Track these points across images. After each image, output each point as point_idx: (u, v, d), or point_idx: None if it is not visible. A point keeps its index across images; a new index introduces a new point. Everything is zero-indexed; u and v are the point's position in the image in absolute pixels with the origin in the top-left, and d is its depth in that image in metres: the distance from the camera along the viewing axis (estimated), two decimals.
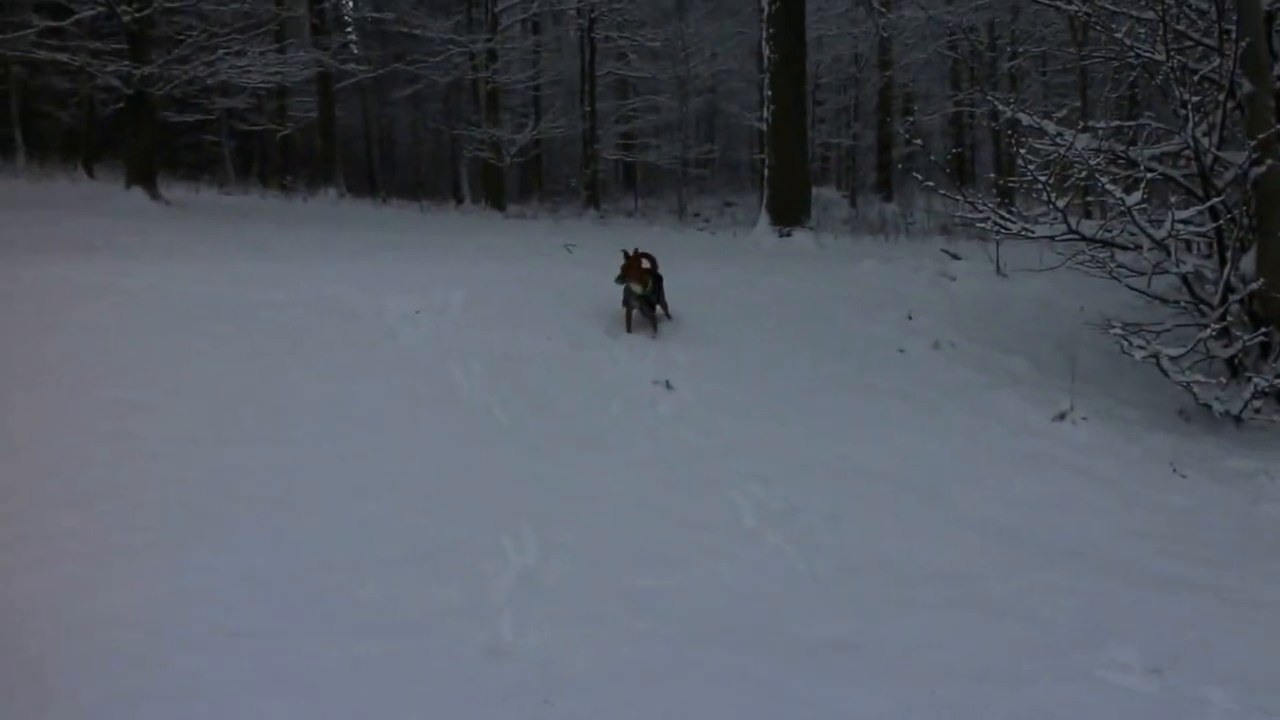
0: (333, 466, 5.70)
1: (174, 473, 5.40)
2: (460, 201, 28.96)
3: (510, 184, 31.75)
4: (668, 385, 7.90)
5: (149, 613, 4.12)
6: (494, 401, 7.14)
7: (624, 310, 9.04)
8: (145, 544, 4.64)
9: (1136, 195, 7.05)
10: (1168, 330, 7.63)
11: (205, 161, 29.59)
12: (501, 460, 6.02)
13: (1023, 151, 7.38)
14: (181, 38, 17.69)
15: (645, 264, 9.01)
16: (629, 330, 9.04)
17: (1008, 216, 7.68)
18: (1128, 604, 4.70)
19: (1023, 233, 7.48)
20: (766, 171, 16.23)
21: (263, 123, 28.62)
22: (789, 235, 15.39)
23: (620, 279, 8.89)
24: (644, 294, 8.95)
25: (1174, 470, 6.35)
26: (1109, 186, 7.08)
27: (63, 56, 16.74)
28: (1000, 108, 8.18)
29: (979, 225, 7.94)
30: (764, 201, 16.29)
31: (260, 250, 11.47)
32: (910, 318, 10.09)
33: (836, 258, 13.86)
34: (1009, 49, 24.78)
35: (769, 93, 16.06)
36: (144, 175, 16.90)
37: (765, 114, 16.30)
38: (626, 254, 8.94)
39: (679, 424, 7.10)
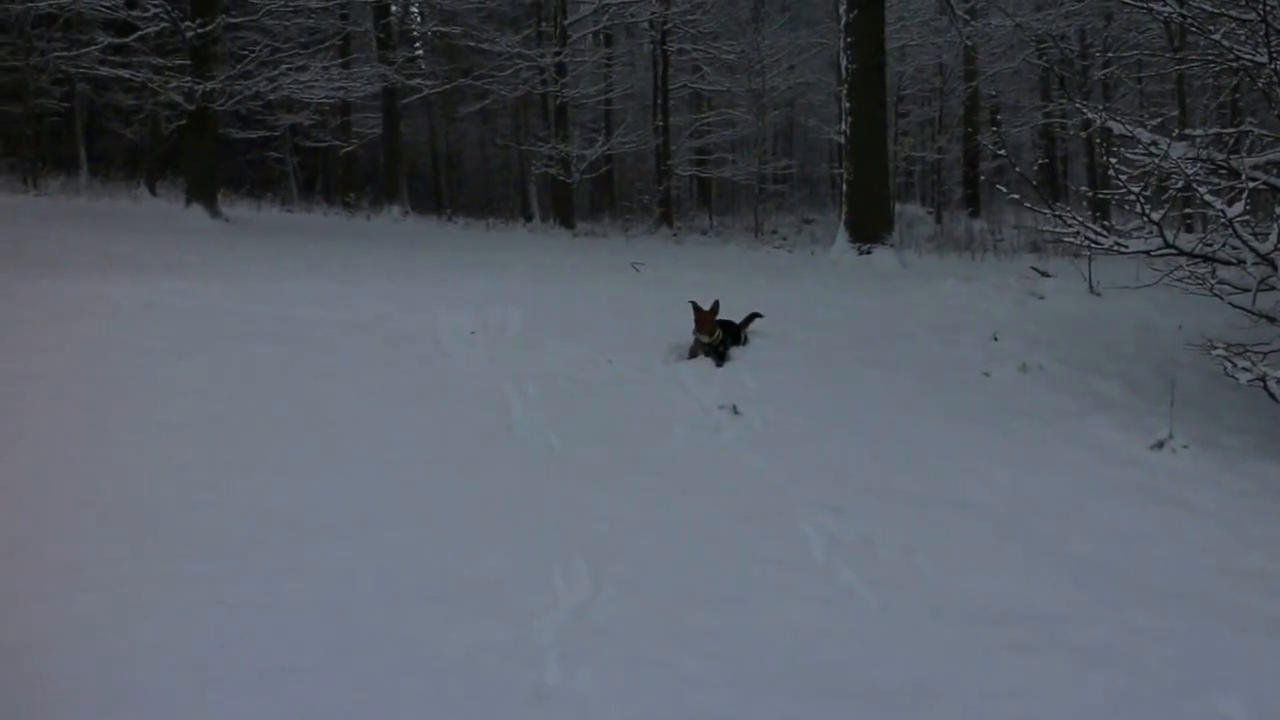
0: (375, 494, 5.64)
1: (206, 498, 5.38)
2: (529, 219, 29.22)
3: (580, 201, 32.05)
4: (734, 410, 7.74)
5: (178, 648, 4.05)
6: (548, 425, 7.02)
7: (690, 351, 9.15)
8: (176, 574, 4.61)
9: (1239, 206, 6.71)
10: (1275, 351, 7.27)
11: (268, 179, 30.02)
12: (555, 488, 5.92)
13: (1114, 161, 7.05)
14: (245, 53, 17.89)
15: (710, 312, 9.08)
16: (691, 357, 8.99)
17: (1099, 231, 7.37)
18: (1235, 651, 4.47)
19: (1115, 248, 7.17)
20: (845, 187, 16.09)
21: (326, 139, 28.96)
22: (869, 253, 15.20)
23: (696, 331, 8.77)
24: (712, 343, 8.99)
25: None
26: (1208, 198, 6.75)
27: (126, 73, 17.03)
28: (1090, 115, 7.87)
29: (1069, 241, 7.63)
30: (843, 218, 16.12)
31: (317, 269, 11.54)
32: (996, 339, 9.88)
33: (919, 276, 13.62)
34: (1101, 57, 24.27)
35: (848, 105, 15.89)
36: (205, 192, 17.10)
37: (844, 127, 16.15)
38: (698, 307, 8.98)
39: (745, 451, 6.92)
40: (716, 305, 8.96)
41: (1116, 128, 7.51)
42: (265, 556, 4.78)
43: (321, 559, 4.80)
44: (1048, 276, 12.26)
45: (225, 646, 4.05)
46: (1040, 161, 10.19)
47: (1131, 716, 3.95)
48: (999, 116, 28.32)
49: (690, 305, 8.96)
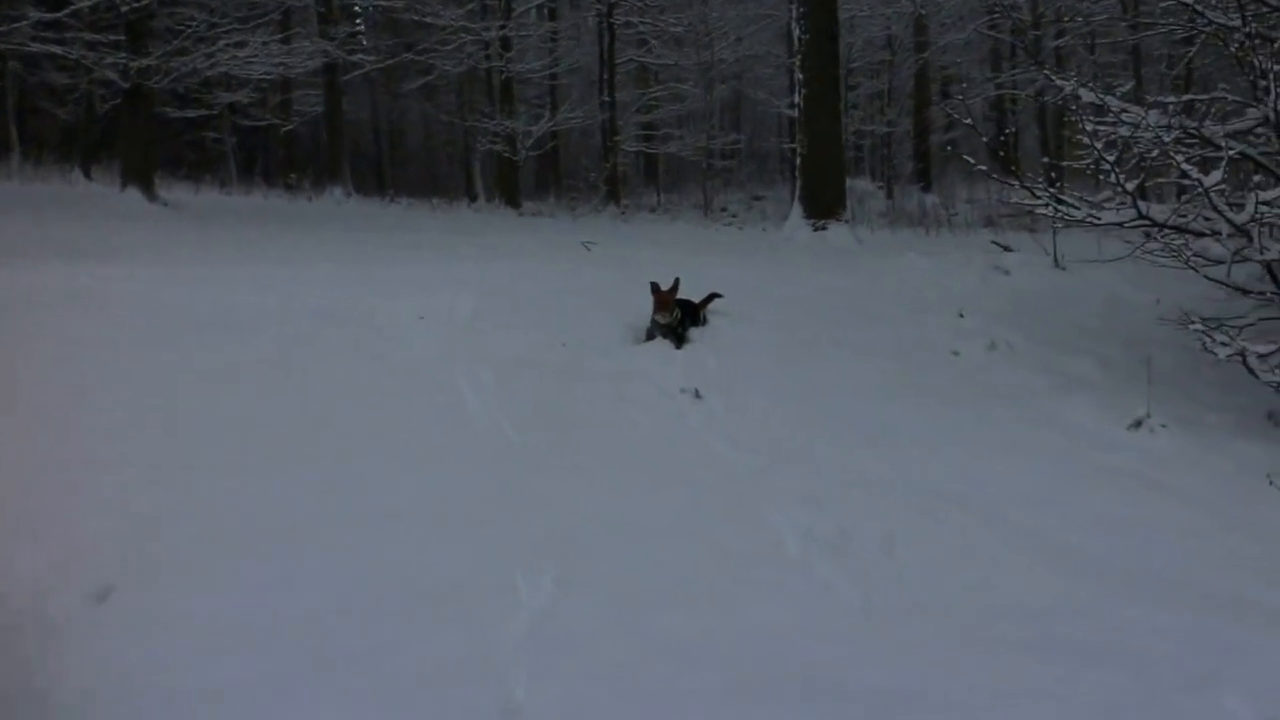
0: (324, 496, 5.32)
1: (140, 508, 5.06)
2: (474, 199, 28.86)
3: (526, 180, 31.71)
4: (697, 394, 7.51)
5: (120, 670, 3.83)
6: (504, 415, 6.73)
7: (646, 333, 8.92)
8: (112, 590, 4.35)
9: (1216, 175, 6.52)
10: (1251, 325, 7.34)
11: (207, 160, 29.30)
12: (513, 482, 5.67)
13: (1087, 129, 6.83)
14: (182, 28, 17.32)
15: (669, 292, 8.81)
16: (649, 339, 8.82)
17: (1070, 201, 7.15)
18: (1234, 643, 4.32)
19: (1089, 219, 6.95)
20: (798, 160, 15.85)
21: (266, 118, 28.25)
22: (824, 229, 15.01)
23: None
24: (670, 324, 8.74)
25: (1270, 483, 5.84)
26: (1185, 166, 6.55)
27: (58, 49, 16.41)
28: (1059, 83, 7.66)
29: (1040, 213, 7.42)
30: (796, 193, 15.92)
31: (259, 253, 11.33)
32: (961, 316, 9.73)
33: (876, 252, 13.51)
34: (1054, 26, 24.14)
35: (800, 76, 15.65)
36: (141, 175, 16.58)
37: (796, 99, 15.92)
38: (657, 287, 8.76)
39: (711, 438, 6.69)
40: (677, 284, 8.74)
41: (1087, 95, 7.31)
42: (205, 569, 4.56)
43: (266, 568, 4.55)
44: (1009, 251, 12.13)
45: (169, 666, 3.87)
46: (1009, 132, 9.89)
47: (1133, 717, 3.88)
48: (950, 89, 28.57)
49: (650, 286, 8.78)
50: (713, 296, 9.44)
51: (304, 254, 11.61)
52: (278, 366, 7.24)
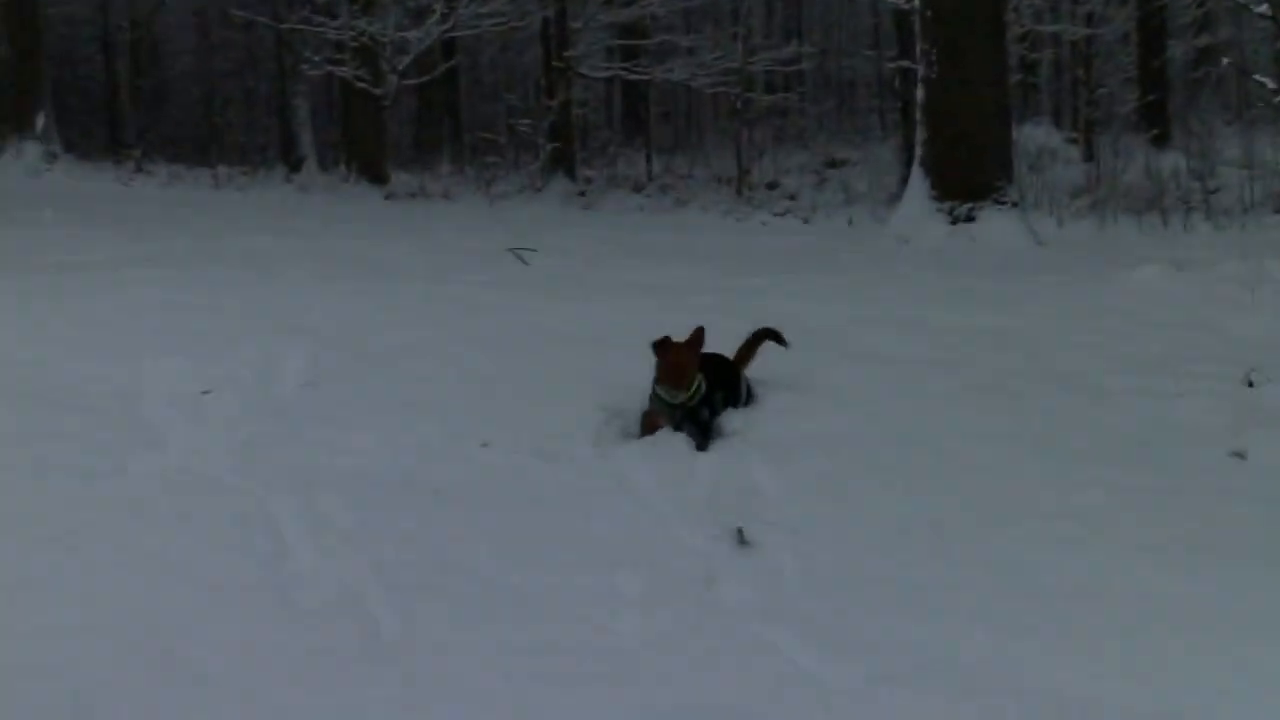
0: None
1: None
2: (296, 167, 21.09)
3: (399, 134, 23.68)
4: (741, 539, 4.82)
5: None
6: (366, 589, 4.33)
7: (642, 420, 6.28)
8: None
9: None
10: None
11: None
12: None
13: None
14: None
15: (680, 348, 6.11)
16: (647, 432, 6.26)
17: None
18: None
19: None
20: (921, 94, 11.18)
21: None
22: (970, 219, 11.58)
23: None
24: (687, 403, 5.95)
25: None
26: None
27: None
28: None
29: None
30: (917, 156, 11.63)
31: None
32: (1251, 384, 6.58)
33: (1073, 262, 9.81)
34: None
35: None
36: None
37: None
38: (667, 344, 5.94)
39: (774, 633, 4.11)
40: (699, 337, 5.99)
41: None
42: None
43: None
44: None
45: None
46: None
47: None
48: None
49: (652, 345, 5.94)
50: (763, 338, 6.57)
51: None
52: None
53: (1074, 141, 20.11)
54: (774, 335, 6.57)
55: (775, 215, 14.78)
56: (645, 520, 5.16)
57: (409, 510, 5.11)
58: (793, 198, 16.67)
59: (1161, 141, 19.02)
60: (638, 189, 18.37)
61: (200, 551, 4.64)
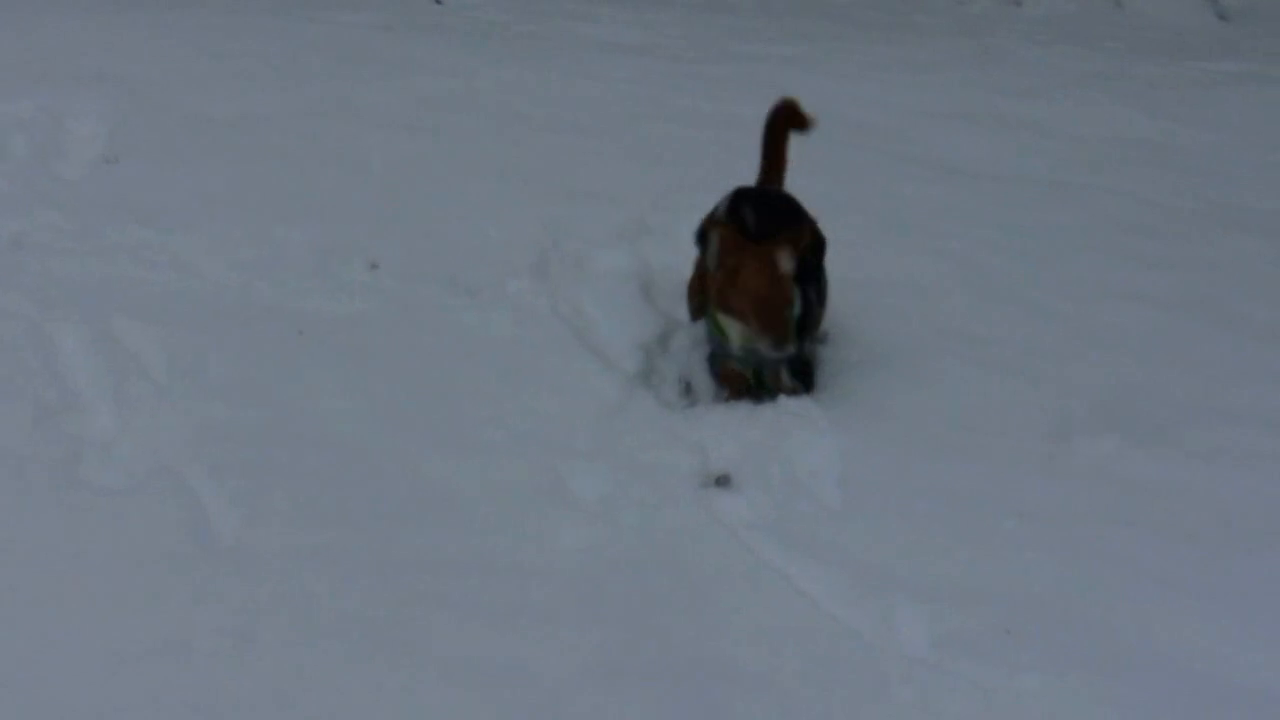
0: None
1: None
2: None
3: None
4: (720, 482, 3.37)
5: None
6: (188, 469, 2.96)
7: (723, 371, 4.00)
8: None
9: None
10: None
11: None
12: None
13: None
14: None
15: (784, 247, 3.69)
16: (727, 397, 4.07)
17: None
18: None
19: None
20: None
21: None
22: None
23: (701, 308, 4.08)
24: (776, 347, 3.67)
25: None
26: None
27: None
28: None
29: None
30: None
31: None
32: None
33: (1271, 45, 7.31)
34: None
35: None
36: None
37: None
38: (734, 243, 3.63)
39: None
40: (811, 227, 3.76)
41: None
42: None
43: None
44: None
45: None
46: None
47: None
48: None
49: (698, 238, 3.94)
50: (782, 126, 4.16)
51: None
52: None
53: None
54: (790, 115, 4.13)
55: None
56: (608, 389, 3.69)
57: (251, 354, 3.74)
58: None
59: None
60: None
61: None
